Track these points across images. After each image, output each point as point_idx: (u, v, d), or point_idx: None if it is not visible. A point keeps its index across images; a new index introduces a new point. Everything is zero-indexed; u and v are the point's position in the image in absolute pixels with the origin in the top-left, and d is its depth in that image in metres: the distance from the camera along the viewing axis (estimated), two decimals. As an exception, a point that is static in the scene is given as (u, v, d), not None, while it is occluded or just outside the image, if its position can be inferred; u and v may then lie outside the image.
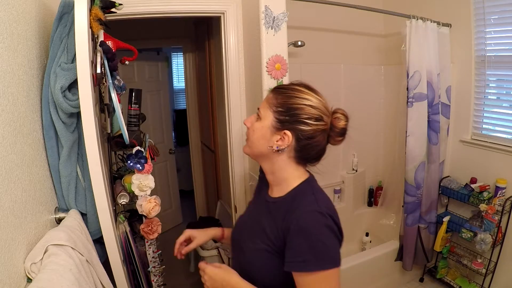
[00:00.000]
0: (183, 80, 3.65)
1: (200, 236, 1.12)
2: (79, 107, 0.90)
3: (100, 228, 0.99)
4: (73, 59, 0.93)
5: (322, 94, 0.89)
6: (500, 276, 2.02)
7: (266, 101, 0.87)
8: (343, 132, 0.88)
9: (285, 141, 0.83)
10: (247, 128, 0.90)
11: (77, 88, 0.89)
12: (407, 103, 2.05)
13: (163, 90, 3.40)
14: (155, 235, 1.27)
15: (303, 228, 0.76)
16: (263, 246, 0.84)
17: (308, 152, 0.86)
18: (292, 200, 0.84)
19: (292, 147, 0.84)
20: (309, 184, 0.88)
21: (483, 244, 1.89)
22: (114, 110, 1.08)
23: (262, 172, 0.97)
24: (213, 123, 2.74)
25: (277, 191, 0.90)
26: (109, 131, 1.18)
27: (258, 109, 0.89)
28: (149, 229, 1.25)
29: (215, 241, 2.28)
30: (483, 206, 1.93)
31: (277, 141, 0.84)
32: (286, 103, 0.83)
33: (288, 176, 0.88)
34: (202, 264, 0.89)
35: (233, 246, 1.00)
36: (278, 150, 0.84)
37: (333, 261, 0.76)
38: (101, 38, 1.02)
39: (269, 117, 0.84)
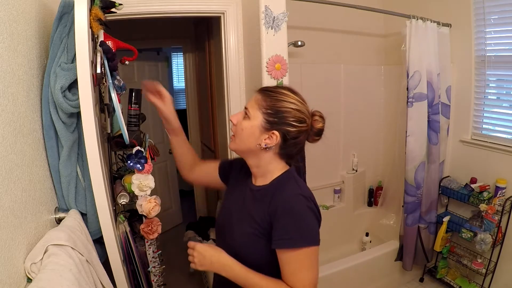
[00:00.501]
0: (183, 80, 3.65)
1: (168, 105, 1.13)
2: (79, 107, 0.90)
3: (100, 228, 0.99)
4: (73, 59, 0.93)
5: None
6: (500, 276, 2.02)
7: (255, 102, 0.93)
8: (320, 133, 0.97)
9: (273, 140, 0.91)
10: (233, 124, 0.97)
11: (77, 88, 0.89)
12: (407, 103, 2.05)
13: (163, 90, 3.39)
14: (155, 235, 1.27)
15: (289, 210, 0.86)
16: (251, 230, 0.92)
17: (291, 149, 0.95)
18: (276, 187, 0.94)
19: (278, 145, 0.93)
20: (290, 173, 0.97)
21: (483, 244, 1.89)
22: (114, 110, 1.08)
23: (238, 163, 1.09)
24: (213, 123, 2.74)
25: (261, 181, 0.98)
26: (109, 131, 1.18)
27: (246, 108, 0.95)
28: (149, 229, 1.25)
29: (215, 240, 2.27)
30: (483, 206, 1.93)
31: (265, 139, 0.92)
32: (275, 106, 0.91)
33: (272, 169, 0.97)
34: (191, 243, 0.95)
35: (219, 231, 1.08)
36: (265, 148, 0.92)
37: (315, 240, 0.86)
38: (101, 38, 1.02)
39: (258, 118, 0.91)
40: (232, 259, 0.90)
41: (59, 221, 0.94)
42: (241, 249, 0.93)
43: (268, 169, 0.97)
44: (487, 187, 2.02)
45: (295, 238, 0.84)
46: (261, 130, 0.91)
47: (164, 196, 3.07)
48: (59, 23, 0.96)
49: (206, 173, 1.19)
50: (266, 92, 0.94)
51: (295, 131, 0.91)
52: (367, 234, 2.63)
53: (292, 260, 0.85)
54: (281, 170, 0.97)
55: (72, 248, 0.80)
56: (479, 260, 2.02)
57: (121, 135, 1.12)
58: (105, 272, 0.97)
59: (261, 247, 0.91)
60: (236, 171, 1.11)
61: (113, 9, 1.14)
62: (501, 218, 1.91)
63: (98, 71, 0.96)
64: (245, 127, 0.93)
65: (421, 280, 2.39)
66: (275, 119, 0.90)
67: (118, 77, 1.21)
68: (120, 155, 1.39)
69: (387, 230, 2.69)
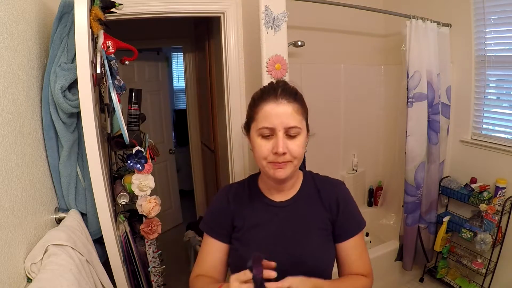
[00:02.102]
0: (183, 80, 3.65)
1: None
2: (79, 107, 0.90)
3: (100, 228, 0.99)
4: (73, 59, 0.93)
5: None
6: (500, 276, 2.02)
7: (297, 113, 0.81)
8: None
9: (308, 138, 0.88)
10: (282, 154, 0.78)
11: (77, 88, 0.89)
12: (407, 103, 2.05)
13: (163, 90, 3.40)
14: (155, 235, 1.27)
15: (346, 198, 0.90)
16: (321, 238, 0.87)
17: None
18: (314, 185, 0.92)
19: None
20: (304, 170, 0.97)
21: (483, 244, 1.89)
22: (114, 110, 1.08)
23: (223, 204, 0.93)
24: (213, 123, 2.74)
25: (289, 193, 0.91)
26: (109, 131, 1.18)
27: (294, 127, 0.79)
28: (149, 229, 1.25)
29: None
30: (483, 206, 1.93)
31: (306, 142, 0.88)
32: (305, 106, 0.86)
33: (298, 171, 0.94)
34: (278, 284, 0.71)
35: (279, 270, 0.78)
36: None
37: None
38: (101, 38, 1.02)
39: (304, 126, 0.84)
40: (317, 279, 0.78)
41: (59, 221, 0.94)
42: (319, 263, 0.85)
43: (297, 171, 0.91)
44: (487, 187, 2.02)
45: (360, 220, 0.89)
46: (307, 135, 0.86)
47: (164, 196, 3.07)
48: (59, 23, 0.96)
49: (219, 261, 0.91)
50: (296, 95, 0.83)
51: None
52: (367, 234, 2.63)
53: (357, 243, 0.88)
54: (298, 171, 0.94)
55: (72, 248, 0.80)
56: (479, 260, 2.02)
57: (121, 135, 1.12)
58: (105, 272, 0.97)
59: (333, 248, 0.88)
60: (229, 211, 0.92)
61: (113, 9, 1.14)
62: (501, 218, 1.91)
63: (98, 71, 0.96)
64: (303, 144, 0.82)
65: (421, 280, 2.39)
66: (307, 117, 0.87)
67: (118, 77, 1.21)
68: (120, 155, 1.39)
69: (387, 230, 2.69)
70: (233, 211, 0.92)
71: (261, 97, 0.83)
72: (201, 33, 2.87)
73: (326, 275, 0.86)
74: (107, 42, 1.06)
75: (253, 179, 0.96)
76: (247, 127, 0.88)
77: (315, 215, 0.88)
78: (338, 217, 0.87)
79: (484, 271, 2.00)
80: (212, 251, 0.91)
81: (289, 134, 0.79)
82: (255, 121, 0.82)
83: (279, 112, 0.78)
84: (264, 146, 0.80)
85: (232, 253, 0.90)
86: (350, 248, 0.87)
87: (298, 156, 0.81)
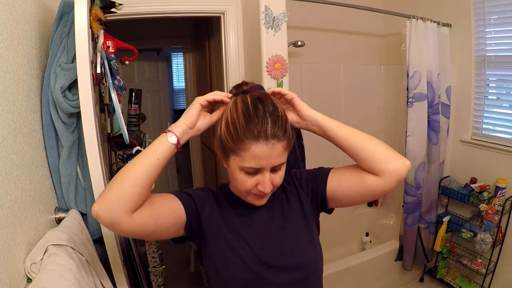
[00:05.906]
0: (183, 80, 3.65)
1: None
2: (79, 107, 0.90)
3: (100, 228, 0.99)
4: (73, 59, 0.93)
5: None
6: (500, 276, 2.02)
7: (285, 150, 0.75)
8: None
9: None
10: (267, 191, 0.75)
11: (77, 88, 0.89)
12: (407, 103, 2.05)
13: (163, 90, 3.40)
14: (155, 235, 1.27)
15: (296, 172, 0.92)
16: (303, 229, 0.84)
17: None
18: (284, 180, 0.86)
19: None
20: (304, 168, 0.95)
21: (483, 244, 1.89)
22: (114, 110, 1.08)
23: (206, 196, 0.86)
24: (213, 123, 2.74)
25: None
26: (109, 131, 1.18)
27: (260, 169, 0.73)
28: (149, 229, 1.24)
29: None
30: (483, 206, 1.93)
31: None
32: (291, 132, 0.77)
33: None
34: None
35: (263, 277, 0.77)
36: None
37: None
38: (101, 38, 1.02)
39: (286, 157, 0.77)
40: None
41: (59, 221, 0.94)
42: (318, 261, 0.83)
43: None
44: (487, 187, 2.02)
45: (318, 168, 0.90)
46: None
47: (164, 196, 3.06)
48: (59, 23, 0.96)
49: (167, 208, 0.81)
50: (285, 129, 0.74)
51: None
52: (367, 234, 2.63)
53: (334, 171, 0.89)
54: None
55: (72, 248, 0.80)
56: (479, 260, 2.02)
57: (121, 135, 1.12)
58: (105, 272, 0.97)
59: (317, 234, 0.86)
60: (211, 208, 0.84)
61: (113, 9, 1.14)
62: (501, 218, 1.91)
63: (98, 71, 0.96)
64: (283, 174, 0.79)
65: (421, 280, 2.39)
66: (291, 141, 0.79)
67: (118, 77, 1.21)
68: (120, 155, 1.39)
69: (387, 230, 2.69)
70: (211, 206, 0.84)
71: (246, 130, 0.70)
72: (201, 33, 2.87)
73: (317, 266, 0.83)
74: (107, 42, 1.06)
75: (225, 186, 0.91)
76: (224, 152, 0.77)
77: (290, 207, 0.86)
78: (302, 186, 0.86)
79: (484, 271, 2.00)
80: (168, 199, 0.82)
81: (274, 168, 0.75)
82: (238, 156, 0.73)
83: (268, 154, 0.71)
84: (248, 182, 0.74)
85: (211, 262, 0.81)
86: (335, 178, 0.86)
87: (279, 184, 0.80)
